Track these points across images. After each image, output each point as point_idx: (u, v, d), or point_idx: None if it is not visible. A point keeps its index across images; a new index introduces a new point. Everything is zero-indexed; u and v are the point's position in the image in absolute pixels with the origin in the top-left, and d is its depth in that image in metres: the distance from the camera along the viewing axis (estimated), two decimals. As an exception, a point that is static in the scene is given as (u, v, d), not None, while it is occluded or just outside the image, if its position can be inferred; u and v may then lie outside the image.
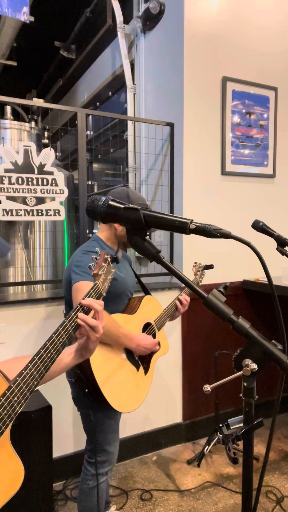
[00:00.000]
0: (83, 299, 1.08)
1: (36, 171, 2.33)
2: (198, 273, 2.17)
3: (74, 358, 1.13)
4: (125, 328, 1.71)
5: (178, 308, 2.01)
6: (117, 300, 1.82)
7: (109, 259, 1.18)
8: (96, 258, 1.16)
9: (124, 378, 1.72)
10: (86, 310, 1.07)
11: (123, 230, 1.83)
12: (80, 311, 1.06)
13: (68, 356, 1.13)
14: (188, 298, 2.02)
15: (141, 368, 1.83)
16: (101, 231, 1.88)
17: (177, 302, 1.99)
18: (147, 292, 2.05)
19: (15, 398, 0.89)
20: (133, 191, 1.89)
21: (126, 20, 3.32)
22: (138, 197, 1.84)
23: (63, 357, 1.12)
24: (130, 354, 1.78)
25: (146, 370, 1.86)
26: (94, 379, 1.59)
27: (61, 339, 1.00)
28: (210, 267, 2.20)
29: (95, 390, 1.61)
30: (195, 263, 2.20)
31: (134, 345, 1.73)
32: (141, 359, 1.84)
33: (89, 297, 1.10)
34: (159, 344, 1.92)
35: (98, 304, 1.08)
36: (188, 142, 2.79)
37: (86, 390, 1.65)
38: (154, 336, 1.92)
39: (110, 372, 1.66)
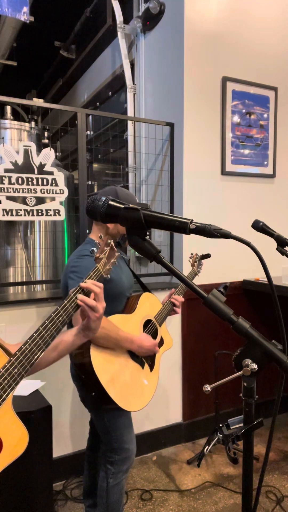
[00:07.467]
0: (84, 281, 1.13)
1: (36, 171, 2.33)
2: (195, 263, 2.14)
3: (78, 337, 1.19)
4: (124, 330, 1.70)
5: (175, 309, 2.00)
6: (115, 301, 1.80)
7: (112, 244, 1.23)
8: (99, 244, 1.22)
9: (129, 377, 1.72)
10: (86, 292, 1.13)
11: (114, 229, 1.83)
12: (80, 293, 1.12)
13: (72, 336, 1.19)
14: (180, 299, 2.00)
15: (146, 366, 1.83)
16: (94, 232, 1.88)
17: (174, 300, 1.98)
18: (146, 290, 2.03)
19: (15, 370, 0.96)
20: (122, 189, 1.87)
21: (126, 20, 3.32)
22: (126, 193, 1.84)
23: (66, 337, 1.18)
24: (133, 353, 1.78)
25: (151, 367, 1.86)
26: (99, 381, 1.59)
27: (60, 318, 1.06)
28: (207, 256, 2.16)
29: (101, 393, 1.61)
30: (191, 254, 2.16)
31: (135, 347, 1.73)
32: (145, 356, 1.84)
33: (89, 279, 1.15)
34: (161, 341, 1.92)
35: (97, 287, 1.14)
36: (188, 142, 2.79)
37: (93, 394, 1.65)
38: (156, 332, 1.91)
39: (114, 373, 1.66)
